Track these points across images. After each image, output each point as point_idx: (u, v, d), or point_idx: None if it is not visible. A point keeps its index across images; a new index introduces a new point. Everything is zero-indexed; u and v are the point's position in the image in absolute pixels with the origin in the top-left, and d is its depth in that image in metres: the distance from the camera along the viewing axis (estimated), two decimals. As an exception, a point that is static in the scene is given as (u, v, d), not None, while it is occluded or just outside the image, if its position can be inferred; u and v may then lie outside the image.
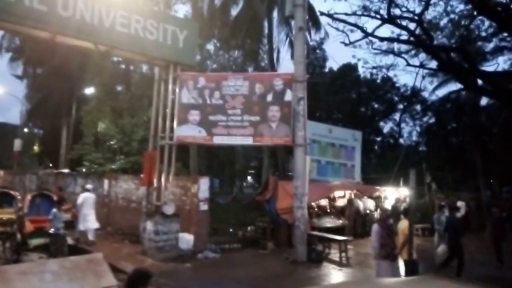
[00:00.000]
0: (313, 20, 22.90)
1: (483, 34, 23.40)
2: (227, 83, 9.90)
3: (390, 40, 15.10)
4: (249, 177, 39.60)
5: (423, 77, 32.19)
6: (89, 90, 19.18)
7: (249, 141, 9.78)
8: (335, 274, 8.86)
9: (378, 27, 13.11)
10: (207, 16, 21.75)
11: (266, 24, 22.95)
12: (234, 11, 22.30)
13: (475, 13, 17.37)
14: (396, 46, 18.92)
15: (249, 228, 13.51)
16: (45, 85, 25.04)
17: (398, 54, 20.17)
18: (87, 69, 17.37)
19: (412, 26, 15.14)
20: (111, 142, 15.21)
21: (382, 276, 7.00)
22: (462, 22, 20.37)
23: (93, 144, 16.04)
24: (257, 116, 9.78)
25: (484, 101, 31.69)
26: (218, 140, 9.85)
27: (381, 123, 33.96)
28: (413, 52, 20.71)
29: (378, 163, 30.57)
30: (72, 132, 20.47)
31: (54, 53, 20.09)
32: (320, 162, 18.16)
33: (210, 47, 28.36)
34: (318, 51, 27.34)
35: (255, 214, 13.59)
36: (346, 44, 13.25)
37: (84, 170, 14.68)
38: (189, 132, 9.88)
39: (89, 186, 11.91)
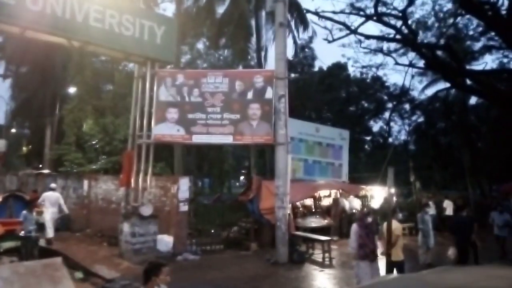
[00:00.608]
0: (301, 18, 22.74)
1: (471, 33, 23.50)
2: (206, 80, 9.65)
3: (376, 38, 15.00)
4: (242, 177, 39.34)
5: (412, 76, 32.22)
6: (73, 89, 18.76)
7: (229, 139, 9.54)
8: (315, 275, 8.65)
9: (362, 23, 12.97)
10: (193, 14, 21.46)
11: (253, 22, 22.73)
12: (221, 9, 22.03)
13: (462, 12, 17.38)
14: (385, 45, 18.89)
15: (233, 228, 13.30)
16: (29, 84, 24.54)
17: (387, 53, 20.15)
18: (69, 68, 16.97)
19: (399, 24, 15.10)
20: (93, 142, 14.83)
21: (361, 277, 6.81)
22: (450, 21, 20.42)
23: (75, 144, 15.66)
24: (237, 114, 9.54)
25: (473, 100, 31.87)
26: (197, 139, 9.59)
27: (371, 122, 33.98)
28: (401, 51, 20.70)
29: (367, 162, 30.54)
30: (56, 132, 20.03)
31: (37, 52, 19.68)
32: (307, 161, 17.96)
33: (200, 46, 28.22)
34: (306, 50, 27.16)
35: (240, 214, 13.36)
36: (329, 41, 13.11)
37: (63, 170, 14.30)
38: (167, 130, 9.60)
39: (53, 185, 11.72)
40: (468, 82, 19.46)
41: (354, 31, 13.44)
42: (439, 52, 19.25)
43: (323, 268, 9.33)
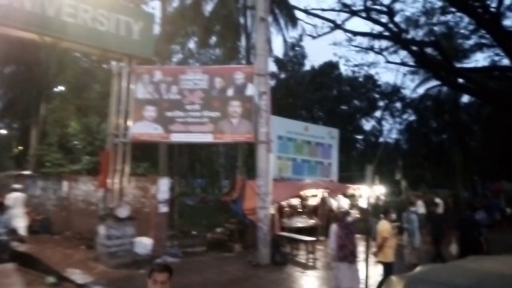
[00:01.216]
0: (290, 16, 22.48)
1: (462, 31, 23.35)
2: (185, 77, 9.35)
3: (363, 34, 14.76)
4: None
5: (404, 75, 32.04)
6: (56, 88, 18.35)
7: (208, 138, 9.25)
8: (296, 278, 8.39)
9: (347, 19, 12.70)
10: (180, 12, 21.13)
11: (243, 20, 22.44)
12: (209, 7, 21.70)
13: (452, 9, 17.22)
14: (377, 43, 18.68)
15: (218, 230, 13.01)
16: (15, 84, 24.08)
17: (378, 51, 19.96)
18: (51, 66, 16.58)
19: (387, 21, 14.87)
20: (75, 142, 14.44)
21: (340, 279, 6.56)
22: (441, 18, 20.25)
23: (58, 144, 15.25)
24: (217, 111, 9.25)
25: (465, 98, 31.80)
26: (176, 137, 9.29)
27: (363, 121, 33.84)
28: (392, 49, 20.49)
29: (359, 161, 30.38)
30: (41, 133, 19.60)
31: (22, 51, 19.25)
32: (295, 160, 17.73)
33: (192, 45, 27.89)
34: (297, 48, 26.92)
35: (227, 215, 13.07)
36: (313, 37, 12.83)
37: (46, 171, 13.90)
38: (145, 129, 9.29)
39: (17, 186, 11.56)
40: (460, 80, 19.34)
41: (340, 26, 13.18)
42: (429, 50, 19.18)
43: (306, 269, 9.07)
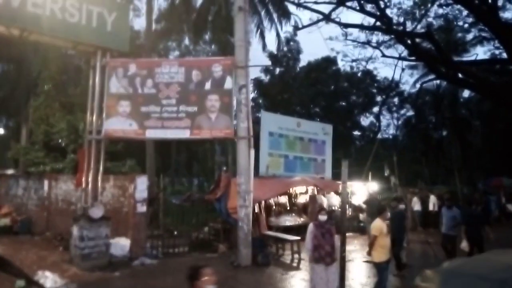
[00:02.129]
0: (283, 10, 21.99)
1: (461, 23, 22.78)
2: (161, 70, 8.93)
3: (354, 26, 14.24)
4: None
5: (403, 70, 31.50)
6: (43, 85, 17.95)
7: (185, 134, 8.82)
8: (277, 280, 7.97)
9: (333, 10, 12.20)
10: (169, 9, 20.74)
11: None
12: (199, 1, 21.25)
13: (450, 1, 16.72)
14: (375, 38, 18.22)
15: (204, 229, 12.62)
16: (5, 83, 23.76)
17: (376, 46, 19.48)
18: (35, 63, 16.20)
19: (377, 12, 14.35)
20: (59, 140, 14.08)
21: (315, 282, 6.14)
22: (440, 11, 19.76)
23: (42, 143, 14.90)
24: (194, 106, 8.83)
25: (465, 93, 31.23)
26: (151, 134, 8.88)
27: (362, 117, 33.34)
28: (388, 43, 19.98)
29: (357, 157, 29.89)
30: (28, 131, 19.27)
31: (10, 48, 18.90)
32: (287, 157, 17.28)
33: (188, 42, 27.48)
34: (291, 43, 26.42)
35: (215, 214, 12.66)
36: (298, 29, 12.35)
37: (32, 170, 13.56)
38: (119, 125, 8.89)
39: None
40: (460, 75, 18.83)
41: (329, 17, 12.68)
42: (427, 44, 18.64)
43: (288, 270, 8.65)
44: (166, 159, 32.54)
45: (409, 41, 14.41)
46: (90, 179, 8.90)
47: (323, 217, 6.43)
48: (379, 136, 29.73)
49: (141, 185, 9.66)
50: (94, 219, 8.63)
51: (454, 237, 9.19)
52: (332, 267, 6.14)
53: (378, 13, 13.00)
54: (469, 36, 25.24)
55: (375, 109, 30.78)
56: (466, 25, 23.00)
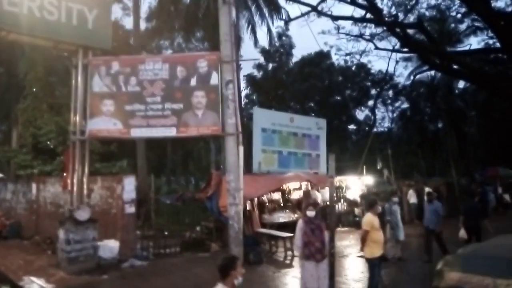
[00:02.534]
0: (273, 5, 21.72)
1: (453, 13, 22.61)
2: (144, 67, 8.69)
3: (342, 18, 14.03)
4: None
5: (397, 62, 31.27)
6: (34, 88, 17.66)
7: (172, 132, 8.60)
8: (268, 278, 7.81)
9: (321, 1, 11.97)
10: (157, 7, 20.46)
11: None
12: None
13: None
14: (368, 31, 18.05)
15: (198, 228, 12.45)
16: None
17: (369, 39, 19.28)
18: (21, 65, 15.92)
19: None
20: (48, 142, 13.84)
21: (306, 279, 5.96)
22: (432, 1, 19.60)
23: (31, 145, 14.65)
24: (180, 103, 8.60)
25: (461, 84, 31.06)
26: (136, 133, 8.65)
27: (357, 111, 33.16)
28: (381, 36, 19.78)
29: (353, 151, 29.75)
30: (19, 134, 18.99)
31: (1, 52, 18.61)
32: (281, 153, 17.09)
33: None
34: (284, 38, 26.15)
35: (209, 213, 12.48)
36: (287, 21, 12.12)
37: (16, 173, 13.35)
38: (103, 125, 8.65)
39: None
40: (454, 65, 18.69)
41: (316, 9, 12.48)
42: (420, 36, 18.43)
43: (280, 268, 8.50)
44: (162, 158, 32.34)
45: (400, 32, 14.25)
46: (75, 180, 8.67)
47: (311, 213, 6.24)
48: (374, 129, 29.55)
49: (128, 186, 9.47)
50: (80, 221, 8.42)
51: (433, 231, 9.15)
52: (323, 263, 5.97)
53: (367, 4, 12.81)
54: (463, 27, 25.12)
55: (370, 103, 30.59)
56: (459, 15, 22.84)
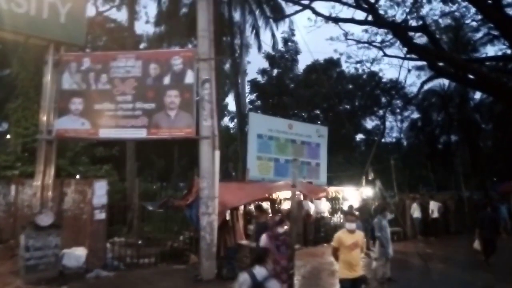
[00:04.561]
0: (278, 9, 21.19)
1: (468, 21, 21.66)
2: (116, 64, 8.19)
3: (342, 20, 13.32)
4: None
5: (409, 71, 30.23)
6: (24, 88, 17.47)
7: (142, 134, 8.03)
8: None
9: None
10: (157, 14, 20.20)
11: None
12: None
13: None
14: (379, 38, 17.40)
15: (181, 237, 11.79)
16: (2, 86, 23.57)
17: (380, 46, 18.55)
18: (13, 64, 15.72)
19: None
20: (34, 144, 13.46)
21: None
22: (446, 9, 18.82)
23: (21, 146, 14.32)
24: (151, 103, 8.04)
25: (477, 95, 29.79)
26: (105, 133, 8.11)
27: (368, 120, 32.16)
28: (390, 42, 18.98)
29: (362, 161, 28.67)
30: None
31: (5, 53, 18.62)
32: (278, 161, 16.39)
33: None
34: (290, 43, 25.53)
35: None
36: (276, 20, 11.50)
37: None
38: (71, 124, 8.16)
39: None
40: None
41: (308, 6, 11.84)
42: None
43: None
44: (169, 164, 31.90)
45: (404, 36, 13.46)
46: (39, 183, 8.17)
47: (281, 229, 5.52)
48: (383, 139, 28.50)
49: (99, 190, 8.91)
50: (42, 227, 7.88)
51: None
52: (290, 285, 5.23)
53: (367, 7, 12.09)
54: (479, 36, 24.07)
55: (379, 112, 29.56)
56: (474, 23, 21.89)
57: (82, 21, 8.78)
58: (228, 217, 10.07)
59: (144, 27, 42.69)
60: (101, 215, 8.90)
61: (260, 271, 3.83)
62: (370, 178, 12.78)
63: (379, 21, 11.99)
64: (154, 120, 7.98)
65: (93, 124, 8.04)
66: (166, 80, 8.09)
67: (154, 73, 8.10)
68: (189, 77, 8.05)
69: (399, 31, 12.37)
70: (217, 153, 8.20)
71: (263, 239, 5.57)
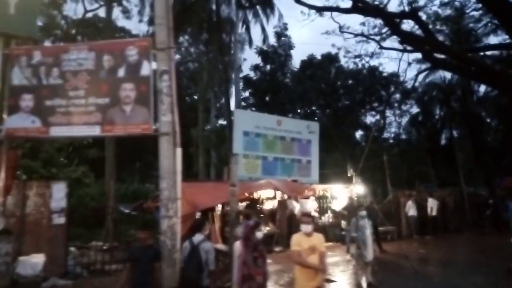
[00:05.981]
0: (267, 3, 20.54)
1: (470, 11, 20.95)
2: (68, 57, 7.54)
3: (326, 9, 12.60)
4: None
5: (409, 64, 29.33)
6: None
7: (95, 131, 7.37)
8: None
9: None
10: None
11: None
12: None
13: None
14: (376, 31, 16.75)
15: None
16: None
17: (378, 39, 17.88)
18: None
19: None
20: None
21: None
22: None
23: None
24: (105, 97, 7.38)
25: (482, 88, 28.80)
26: (56, 131, 7.46)
27: (367, 115, 31.34)
28: (386, 34, 18.25)
29: (360, 158, 27.85)
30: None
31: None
32: (266, 158, 15.77)
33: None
34: (283, 38, 24.81)
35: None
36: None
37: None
38: (21, 123, 7.52)
39: None
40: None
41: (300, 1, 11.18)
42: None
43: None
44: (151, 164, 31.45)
45: (392, 24, 12.71)
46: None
47: (258, 235, 4.86)
48: (383, 135, 27.64)
49: (57, 193, 8.37)
50: (-11, 233, 7.32)
51: None
52: None
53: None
54: (480, 26, 23.18)
55: (378, 107, 28.70)
56: (475, 13, 21.12)
57: (34, 12, 8.21)
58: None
59: (143, 27, 42.31)
60: (60, 220, 8.35)
61: (197, 237, 4.66)
62: (349, 174, 12.03)
63: (364, 7, 11.26)
64: (108, 116, 7.33)
65: (44, 122, 7.41)
66: (121, 72, 7.42)
67: (108, 65, 7.45)
68: (145, 69, 7.37)
69: (386, 17, 11.62)
70: (179, 151, 7.51)
71: (238, 246, 4.91)
